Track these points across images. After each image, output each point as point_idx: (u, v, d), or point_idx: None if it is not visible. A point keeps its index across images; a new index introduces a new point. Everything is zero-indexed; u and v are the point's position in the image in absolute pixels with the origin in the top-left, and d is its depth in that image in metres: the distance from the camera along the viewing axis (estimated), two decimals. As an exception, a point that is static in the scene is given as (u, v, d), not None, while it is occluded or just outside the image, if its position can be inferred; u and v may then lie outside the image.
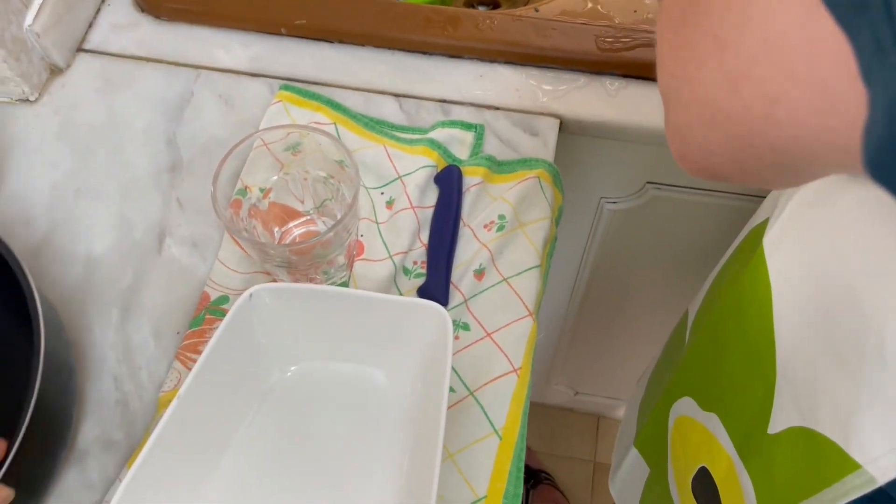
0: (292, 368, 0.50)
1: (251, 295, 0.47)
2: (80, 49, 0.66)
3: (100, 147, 0.61)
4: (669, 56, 0.31)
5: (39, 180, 0.59)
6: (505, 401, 0.51)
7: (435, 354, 0.47)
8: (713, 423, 0.51)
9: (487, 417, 0.50)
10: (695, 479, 0.55)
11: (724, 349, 0.50)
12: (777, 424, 0.43)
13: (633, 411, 0.75)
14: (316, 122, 0.61)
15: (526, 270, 0.55)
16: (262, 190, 0.54)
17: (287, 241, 0.54)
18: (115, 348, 0.53)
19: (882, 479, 0.35)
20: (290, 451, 0.48)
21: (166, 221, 0.58)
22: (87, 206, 0.58)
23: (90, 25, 0.67)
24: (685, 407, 0.56)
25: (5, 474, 0.39)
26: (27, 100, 0.63)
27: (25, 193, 0.59)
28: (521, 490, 0.48)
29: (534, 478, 1.32)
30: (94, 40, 0.66)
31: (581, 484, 1.35)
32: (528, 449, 1.35)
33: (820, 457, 0.39)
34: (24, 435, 0.40)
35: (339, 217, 0.53)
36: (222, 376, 0.46)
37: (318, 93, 0.62)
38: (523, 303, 0.54)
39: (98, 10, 0.67)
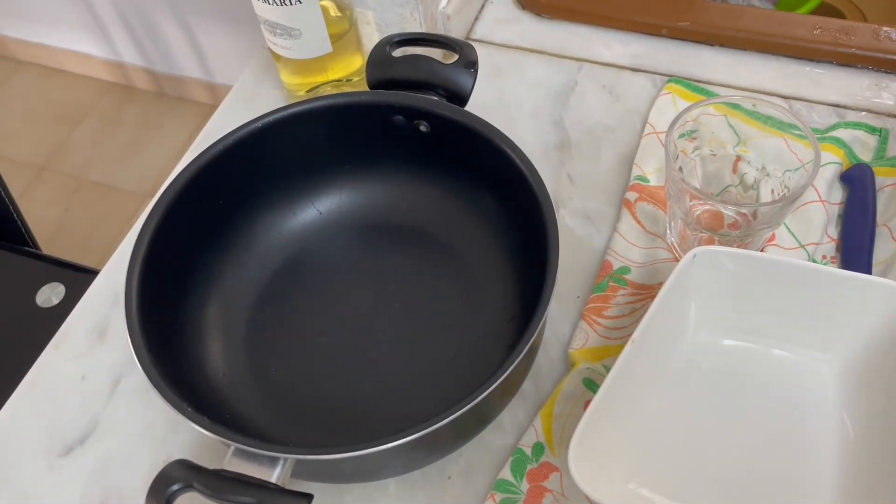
0: (726, 342, 0.49)
1: (695, 255, 0.47)
2: (467, 38, 0.70)
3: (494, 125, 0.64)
4: None
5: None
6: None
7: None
8: None
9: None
10: None
11: None
12: None
13: None
14: (707, 115, 0.60)
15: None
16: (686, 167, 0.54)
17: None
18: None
19: None
20: (703, 433, 0.46)
21: (557, 194, 0.59)
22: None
23: (476, 18, 0.71)
24: None
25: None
26: (423, 78, 0.67)
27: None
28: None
29: None
30: (480, 31, 0.71)
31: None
32: None
33: None
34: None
35: (763, 199, 0.52)
36: (659, 332, 0.46)
37: (708, 89, 0.63)
38: None
39: (483, 6, 0.72)
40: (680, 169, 0.53)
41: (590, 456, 0.41)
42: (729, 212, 0.52)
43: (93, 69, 1.80)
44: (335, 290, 0.55)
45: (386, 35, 0.55)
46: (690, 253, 0.47)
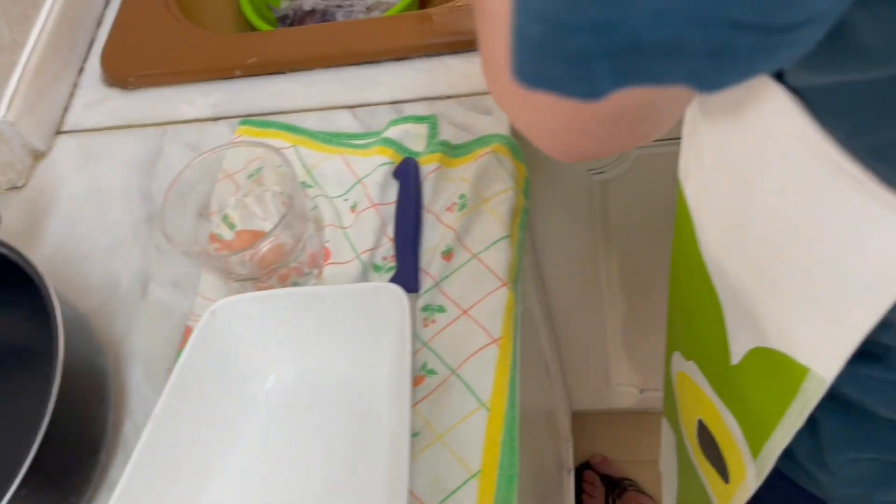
0: (270, 378, 0.50)
1: (214, 311, 0.48)
2: (59, 132, 0.70)
3: (86, 215, 0.64)
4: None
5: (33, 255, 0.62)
6: (488, 373, 0.49)
7: (401, 336, 0.46)
8: (694, 372, 0.49)
9: (472, 392, 0.49)
10: (698, 434, 0.52)
11: (681, 292, 0.49)
12: (736, 353, 0.42)
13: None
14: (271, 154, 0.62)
15: (494, 243, 0.54)
16: (225, 218, 0.56)
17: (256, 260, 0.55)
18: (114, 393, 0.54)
19: (829, 376, 0.34)
20: (279, 460, 0.48)
21: (146, 268, 0.60)
22: (78, 269, 0.61)
23: (66, 109, 0.71)
24: (677, 362, 0.54)
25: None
26: (16, 186, 0.67)
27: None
28: (516, 460, 0.46)
29: (617, 486, 1.26)
30: (71, 121, 0.70)
31: (669, 485, 1.28)
32: (605, 458, 1.30)
33: (777, 372, 0.38)
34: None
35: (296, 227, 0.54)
36: (197, 396, 0.47)
37: (275, 121, 0.64)
38: (495, 274, 0.53)
39: (72, 94, 0.72)
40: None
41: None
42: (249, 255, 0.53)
43: None
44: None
45: None
46: (209, 310, 0.48)
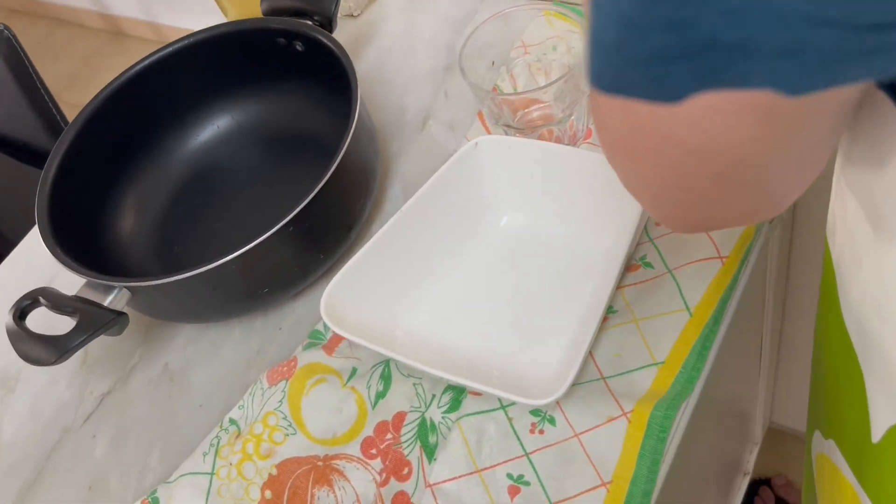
0: (504, 218, 0.55)
1: (477, 143, 0.53)
2: (397, -21, 0.79)
3: (398, 50, 0.73)
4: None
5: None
6: (703, 282, 0.50)
7: (632, 213, 0.48)
8: (834, 453, 0.44)
9: (681, 293, 0.50)
10: None
11: (823, 360, 0.44)
12: (878, 430, 0.37)
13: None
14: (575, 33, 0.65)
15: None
16: (510, 75, 0.61)
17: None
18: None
19: None
20: (485, 292, 0.53)
21: (431, 108, 0.67)
22: (378, 90, 0.70)
23: (409, -38, 0.80)
24: (817, 443, 0.49)
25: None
26: (352, 15, 0.77)
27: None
28: (702, 364, 0.47)
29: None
30: (409, -28, 0.79)
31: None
32: (789, 482, 1.22)
33: None
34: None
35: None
36: (440, 208, 0.53)
37: (582, 10, 0.67)
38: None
39: (417, -49, 0.80)
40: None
41: (347, 302, 0.49)
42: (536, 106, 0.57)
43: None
44: (235, 187, 0.66)
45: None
46: (473, 141, 0.53)
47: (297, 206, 0.51)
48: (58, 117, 0.93)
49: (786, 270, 0.90)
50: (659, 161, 0.26)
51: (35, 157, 0.93)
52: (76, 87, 2.13)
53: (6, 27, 0.88)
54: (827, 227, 0.40)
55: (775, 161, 0.26)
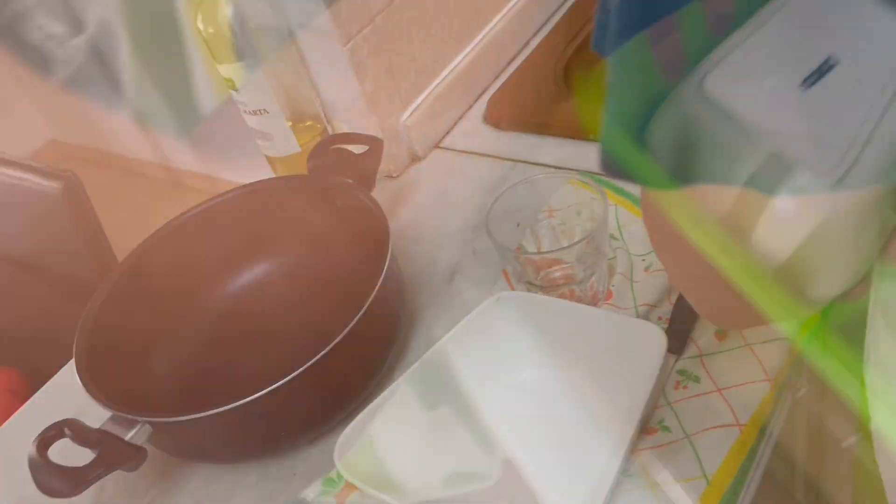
0: (523, 373, 0.56)
1: (499, 297, 0.55)
2: (437, 146, 0.85)
3: (431, 210, 0.77)
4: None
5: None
6: (721, 451, 0.49)
7: (649, 376, 0.49)
8: None
9: (699, 461, 0.49)
10: None
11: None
12: None
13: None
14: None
15: (773, 340, 0.54)
16: (534, 237, 0.64)
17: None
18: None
19: None
20: (500, 447, 0.53)
21: (458, 264, 0.70)
22: (411, 245, 0.73)
23: (448, 131, 0.86)
24: None
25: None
26: (391, 176, 0.82)
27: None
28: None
29: None
30: (448, 141, 0.85)
31: None
32: None
33: None
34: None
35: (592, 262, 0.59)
36: (459, 360, 0.54)
37: (605, 180, 0.71)
38: (763, 368, 0.52)
39: (456, 122, 0.87)
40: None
41: (361, 451, 0.50)
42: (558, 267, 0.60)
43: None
44: (265, 330, 0.69)
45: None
46: (495, 296, 0.55)
47: (323, 350, 0.53)
48: (108, 259, 0.99)
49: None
50: (697, 261, 0.31)
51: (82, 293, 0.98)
52: (131, 232, 2.24)
53: (73, 174, 0.96)
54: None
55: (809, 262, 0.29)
